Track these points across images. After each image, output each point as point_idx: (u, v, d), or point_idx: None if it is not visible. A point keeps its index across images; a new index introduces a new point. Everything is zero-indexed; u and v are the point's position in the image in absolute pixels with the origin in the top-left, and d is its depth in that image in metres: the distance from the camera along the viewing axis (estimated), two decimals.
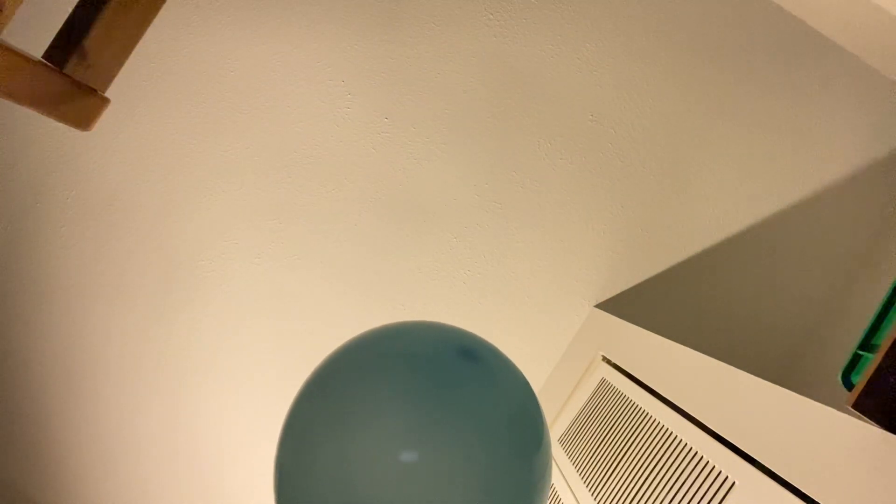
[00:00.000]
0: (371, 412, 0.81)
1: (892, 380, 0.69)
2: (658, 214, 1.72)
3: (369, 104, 1.63)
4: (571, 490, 1.29)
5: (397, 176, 1.66)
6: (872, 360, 0.71)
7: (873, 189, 1.74)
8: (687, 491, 0.95)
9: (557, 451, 1.45)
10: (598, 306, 1.72)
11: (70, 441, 1.72)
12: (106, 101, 0.73)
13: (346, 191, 1.65)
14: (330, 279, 1.68)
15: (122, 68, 0.73)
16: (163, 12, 0.74)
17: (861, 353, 1.04)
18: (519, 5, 1.63)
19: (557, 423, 1.55)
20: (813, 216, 1.74)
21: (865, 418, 0.69)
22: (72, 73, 0.68)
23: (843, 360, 1.06)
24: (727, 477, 0.88)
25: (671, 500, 0.97)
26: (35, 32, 1.06)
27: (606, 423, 1.31)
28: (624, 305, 1.73)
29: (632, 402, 1.25)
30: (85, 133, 1.54)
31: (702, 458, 0.96)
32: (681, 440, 1.03)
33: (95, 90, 0.71)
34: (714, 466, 0.92)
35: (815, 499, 0.71)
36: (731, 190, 1.73)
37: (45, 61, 0.67)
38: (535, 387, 1.73)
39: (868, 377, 0.69)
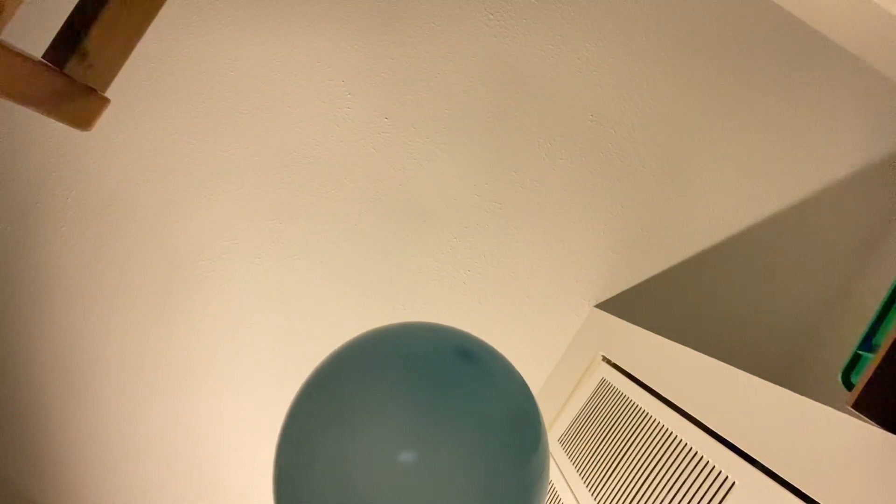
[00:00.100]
0: (370, 412, 0.81)
1: (892, 380, 0.69)
2: (658, 214, 1.72)
3: (369, 104, 1.63)
4: (571, 490, 1.29)
5: (397, 176, 1.66)
6: (872, 360, 0.71)
7: (873, 189, 1.74)
8: (687, 491, 0.95)
9: (557, 451, 1.45)
10: (598, 306, 1.72)
11: (70, 441, 1.72)
12: (106, 101, 0.73)
13: (346, 191, 1.65)
14: (330, 279, 1.68)
15: (122, 68, 0.73)
16: (163, 12, 0.74)
17: (861, 353, 1.04)
18: (519, 5, 1.63)
19: (557, 423, 1.55)
20: (813, 216, 1.74)
21: (865, 418, 0.69)
22: (72, 73, 0.68)
23: (843, 360, 1.06)
24: (727, 477, 0.88)
25: (671, 500, 0.97)
26: (35, 32, 1.06)
27: (606, 423, 1.31)
28: (624, 305, 1.73)
29: (632, 402, 1.25)
30: (85, 133, 1.54)
31: (702, 458, 0.96)
32: (681, 440, 1.03)
33: (95, 90, 0.71)
34: (714, 466, 0.92)
35: (815, 499, 0.71)
36: (731, 190, 1.73)
37: (45, 61, 0.67)
38: (535, 387, 1.73)
39: (868, 377, 0.69)
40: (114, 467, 1.73)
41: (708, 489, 0.90)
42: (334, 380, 0.87)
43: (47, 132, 1.59)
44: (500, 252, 1.70)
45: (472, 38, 1.63)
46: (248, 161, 1.63)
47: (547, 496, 1.35)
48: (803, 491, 0.73)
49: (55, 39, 0.69)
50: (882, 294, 1.08)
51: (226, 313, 1.67)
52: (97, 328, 1.66)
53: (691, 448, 0.99)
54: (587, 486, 1.24)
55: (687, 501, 0.93)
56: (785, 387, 0.86)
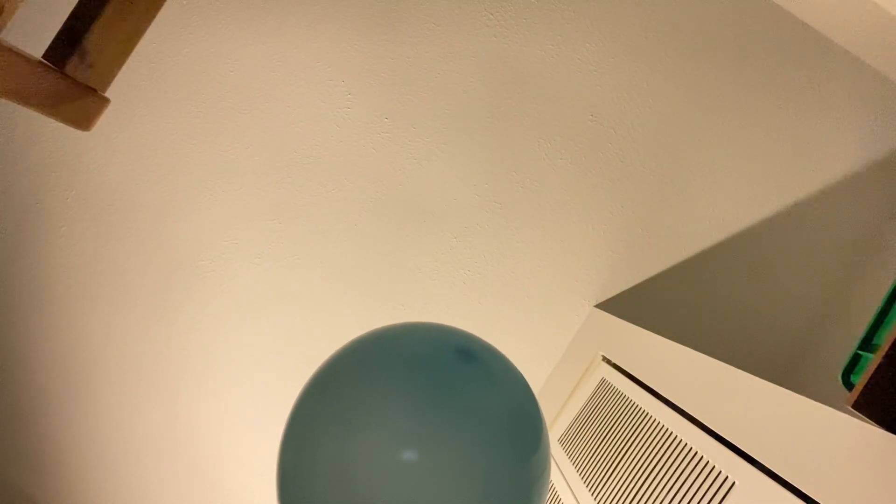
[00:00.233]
0: (371, 412, 0.81)
1: (893, 380, 0.69)
2: (658, 214, 1.72)
3: (369, 104, 1.63)
4: (571, 490, 1.29)
5: (397, 176, 1.66)
6: (872, 360, 0.71)
7: (873, 189, 1.74)
8: (687, 491, 0.95)
9: (557, 451, 1.45)
10: (598, 306, 1.72)
11: (70, 441, 1.72)
12: (106, 101, 0.73)
13: (346, 191, 1.65)
14: (330, 279, 1.68)
15: (122, 68, 0.73)
16: (163, 12, 0.74)
17: (861, 353, 1.04)
18: (519, 5, 1.63)
19: (557, 423, 1.55)
20: (813, 216, 1.74)
21: (865, 418, 0.69)
22: (72, 73, 0.68)
23: (843, 360, 1.06)
24: (727, 477, 0.88)
25: (671, 500, 0.97)
26: (35, 32, 1.06)
27: (606, 423, 1.31)
28: (624, 305, 1.73)
29: (632, 402, 1.25)
30: (85, 133, 1.54)
31: (702, 458, 0.96)
32: (681, 440, 1.03)
33: (95, 90, 0.71)
34: (714, 466, 0.92)
35: (815, 499, 0.71)
36: (731, 190, 1.73)
37: (45, 61, 0.67)
38: (535, 387, 1.73)
39: (868, 377, 0.69)
40: (114, 467, 1.73)
41: (708, 489, 0.90)
42: (336, 380, 0.87)
43: (47, 132, 1.59)
44: (500, 252, 1.70)
45: (472, 38, 1.63)
46: (248, 161, 1.63)
47: (548, 494, 1.35)
48: (803, 491, 0.73)
49: (55, 39, 0.69)
50: (882, 294, 1.08)
51: (226, 313, 1.67)
52: (97, 328, 1.66)
53: (691, 448, 0.99)
54: (587, 486, 1.24)
55: (687, 501, 0.93)
56: (785, 387, 0.86)
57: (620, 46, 1.66)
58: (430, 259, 1.69)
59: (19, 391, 1.69)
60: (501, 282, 1.71)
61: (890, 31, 1.56)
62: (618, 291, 1.73)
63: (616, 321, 1.56)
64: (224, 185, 1.63)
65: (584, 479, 1.26)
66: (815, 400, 0.80)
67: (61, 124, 0.70)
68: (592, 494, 1.20)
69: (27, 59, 0.63)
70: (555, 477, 1.39)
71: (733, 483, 0.86)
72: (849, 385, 1.04)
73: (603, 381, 1.43)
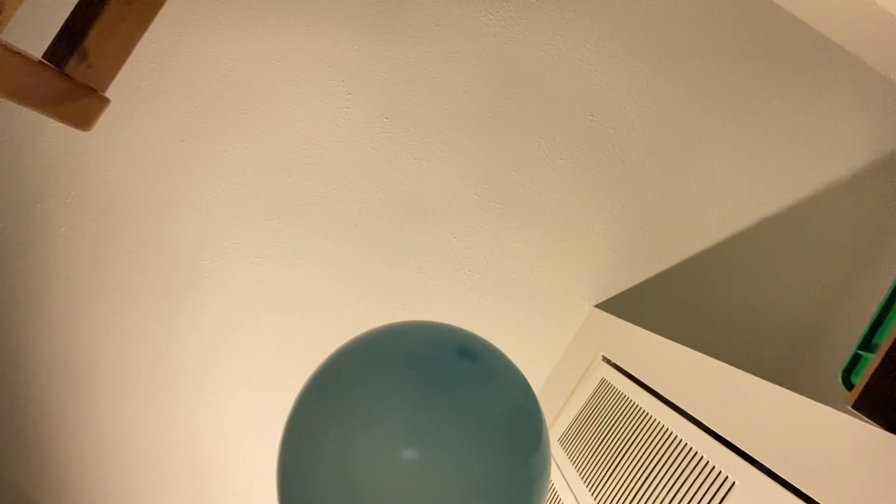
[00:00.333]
0: (372, 411, 0.81)
1: (893, 380, 0.69)
2: (658, 214, 1.72)
3: (369, 104, 1.63)
4: (571, 490, 1.29)
5: (397, 176, 1.66)
6: (872, 360, 0.71)
7: (873, 189, 1.74)
8: (687, 491, 0.95)
9: (557, 451, 1.45)
10: (598, 306, 1.72)
11: (70, 441, 1.72)
12: (106, 101, 0.73)
13: (346, 191, 1.65)
14: (330, 279, 1.68)
15: (122, 68, 0.73)
16: (163, 12, 0.74)
17: (861, 353, 1.04)
18: (519, 5, 1.63)
19: (557, 423, 1.55)
20: (813, 216, 1.74)
21: (865, 418, 0.69)
22: (72, 73, 0.68)
23: (843, 360, 1.06)
24: (727, 477, 0.88)
25: (671, 500, 0.97)
26: (35, 32, 1.06)
27: (606, 423, 1.31)
28: (624, 305, 1.73)
29: (632, 402, 1.25)
30: (85, 133, 1.54)
31: (702, 458, 0.96)
32: (681, 440, 1.03)
33: (95, 90, 0.71)
34: (714, 466, 0.92)
35: (815, 499, 0.71)
36: (731, 190, 1.73)
37: (45, 61, 0.67)
38: (535, 387, 1.73)
39: (868, 377, 0.69)
40: (114, 467, 1.73)
41: (708, 489, 0.90)
42: (336, 379, 0.87)
43: (47, 132, 1.59)
44: (500, 252, 1.70)
45: (472, 38, 1.63)
46: (248, 161, 1.63)
47: (548, 494, 1.35)
48: (803, 491, 0.73)
49: (55, 39, 0.69)
50: (882, 294, 1.08)
51: (226, 313, 1.67)
52: (97, 328, 1.66)
53: (691, 448, 0.99)
54: (587, 486, 1.24)
55: (687, 501, 0.93)
56: (785, 387, 0.86)
57: (620, 46, 1.66)
58: (430, 259, 1.69)
59: (19, 391, 1.69)
60: (501, 282, 1.71)
61: (890, 31, 1.56)
62: (618, 291, 1.73)
63: (616, 321, 1.56)
64: (224, 185, 1.63)
65: (584, 479, 1.26)
66: (815, 400, 0.80)
67: (61, 124, 0.70)
68: (592, 494, 1.20)
69: (27, 59, 0.63)
70: (555, 477, 1.39)
71: (733, 483, 0.86)
72: (849, 385, 1.04)
73: (603, 381, 1.43)
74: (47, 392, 1.69)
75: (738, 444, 0.89)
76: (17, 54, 0.62)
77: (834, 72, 1.70)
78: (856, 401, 0.69)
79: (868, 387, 0.69)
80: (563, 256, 1.71)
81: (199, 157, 1.62)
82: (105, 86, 0.72)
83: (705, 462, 0.94)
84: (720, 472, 0.90)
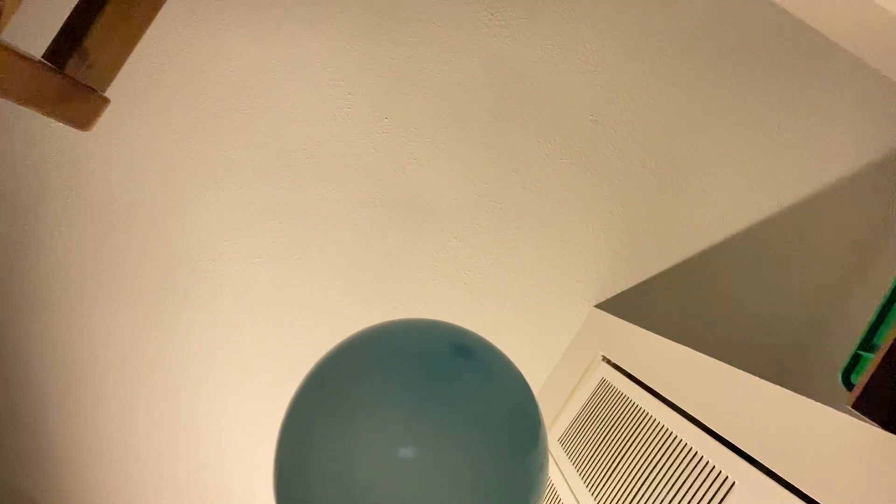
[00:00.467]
0: (368, 408, 0.81)
1: (892, 380, 0.69)
2: (658, 214, 1.72)
3: (369, 104, 1.63)
4: (571, 490, 1.29)
5: (397, 176, 1.66)
6: (872, 360, 0.71)
7: (873, 189, 1.74)
8: (687, 491, 0.95)
9: (557, 451, 1.45)
10: (598, 306, 1.72)
11: (70, 441, 1.72)
12: (106, 101, 0.73)
13: (346, 191, 1.66)
14: (330, 279, 1.68)
15: (122, 68, 0.73)
16: (162, 12, 0.74)
17: (861, 353, 1.04)
18: (519, 5, 1.63)
19: (557, 423, 1.55)
20: (812, 216, 1.74)
21: (865, 418, 0.69)
22: (72, 73, 0.68)
23: (843, 360, 1.06)
24: (727, 477, 0.88)
25: (671, 500, 0.97)
26: (35, 32, 1.06)
27: (606, 423, 1.31)
28: (624, 305, 1.73)
29: (632, 402, 1.25)
30: (85, 133, 1.54)
31: (702, 458, 0.96)
32: (681, 440, 1.03)
33: (95, 90, 0.71)
34: (714, 466, 0.92)
35: (815, 499, 0.71)
36: (731, 190, 1.73)
37: (45, 61, 0.67)
38: (535, 387, 1.73)
39: (868, 377, 0.69)
40: (113, 467, 1.73)
41: (708, 489, 0.90)
42: (333, 376, 0.87)
43: (47, 132, 1.59)
44: (500, 252, 1.70)
45: (473, 39, 1.63)
46: (248, 161, 1.63)
47: (546, 493, 1.35)
48: (803, 491, 0.73)
49: (55, 39, 0.69)
50: (882, 294, 1.08)
51: (226, 313, 1.67)
52: (97, 328, 1.66)
53: (691, 448, 0.99)
54: (587, 486, 1.24)
55: (687, 501, 0.93)
56: (785, 387, 0.86)
57: (621, 46, 1.66)
58: (430, 259, 1.69)
59: (19, 391, 1.69)
60: (501, 282, 1.71)
61: (890, 31, 1.56)
62: (618, 291, 1.73)
63: (616, 321, 1.56)
64: (224, 185, 1.63)
65: (584, 479, 1.26)
66: (815, 400, 0.80)
67: (61, 124, 0.70)
68: (592, 494, 1.20)
69: (27, 59, 0.63)
70: (555, 477, 1.39)
71: (733, 483, 0.86)
72: (849, 385, 1.04)
73: (603, 381, 1.43)
74: (47, 392, 1.69)
75: (738, 444, 0.89)
76: (17, 54, 0.62)
77: (834, 72, 1.70)
78: (856, 401, 0.69)
79: (868, 387, 0.69)
80: (563, 256, 1.71)
81: (199, 156, 1.62)
82: (105, 86, 0.72)
83: (705, 462, 0.94)
84: (720, 472, 0.90)
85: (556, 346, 1.74)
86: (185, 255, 1.65)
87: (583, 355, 1.61)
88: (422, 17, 1.61)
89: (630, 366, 1.35)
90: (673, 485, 0.99)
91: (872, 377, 0.69)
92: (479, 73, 1.64)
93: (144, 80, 1.58)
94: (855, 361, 1.03)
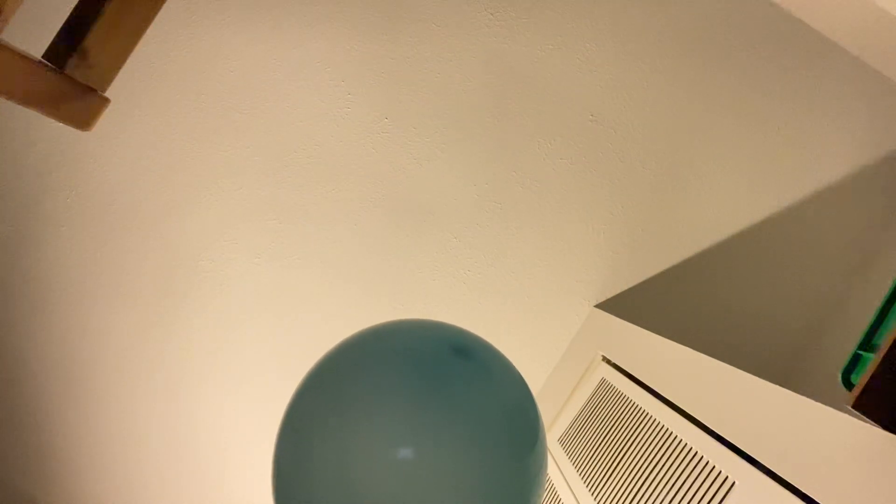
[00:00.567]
0: (367, 409, 0.81)
1: (892, 380, 0.69)
2: (658, 214, 1.72)
3: (369, 104, 1.63)
4: (571, 490, 1.29)
5: (397, 176, 1.66)
6: (872, 360, 0.71)
7: (873, 189, 1.74)
8: (687, 491, 0.95)
9: (557, 451, 1.45)
10: (598, 306, 1.72)
11: (70, 441, 1.72)
12: (106, 101, 0.73)
13: (346, 191, 1.66)
14: (330, 279, 1.68)
15: (123, 68, 0.73)
16: (163, 12, 0.74)
17: (861, 353, 1.04)
18: (519, 5, 1.63)
19: (557, 423, 1.55)
20: (812, 216, 1.74)
21: (865, 418, 0.69)
22: (72, 73, 0.68)
23: (843, 360, 1.06)
24: (727, 477, 0.88)
25: (671, 500, 0.97)
26: (35, 32, 1.06)
27: (606, 423, 1.31)
28: (624, 305, 1.73)
29: (632, 402, 1.25)
30: (85, 133, 1.54)
31: (702, 458, 0.96)
32: (681, 440, 1.03)
33: (95, 90, 0.71)
34: (714, 466, 0.92)
35: (815, 499, 0.71)
36: (731, 190, 1.73)
37: (45, 61, 0.67)
38: (535, 387, 1.73)
39: (868, 377, 0.69)
40: (113, 467, 1.73)
41: (708, 489, 0.90)
42: (332, 376, 0.87)
43: (47, 132, 1.59)
44: (500, 252, 1.70)
45: (473, 38, 1.63)
46: (248, 161, 1.63)
47: (546, 494, 1.35)
48: (803, 491, 0.73)
49: (55, 39, 0.69)
50: (882, 294, 1.08)
51: (226, 313, 1.67)
52: (97, 328, 1.66)
53: (691, 448, 0.99)
54: (587, 486, 1.24)
55: (687, 501, 0.93)
56: (785, 387, 0.86)
57: (621, 46, 1.66)
58: (430, 259, 1.69)
59: (19, 391, 1.69)
60: (501, 282, 1.71)
61: (890, 31, 1.56)
62: (618, 291, 1.73)
63: (616, 321, 1.56)
64: (224, 185, 1.63)
65: (584, 479, 1.26)
66: (815, 400, 0.80)
67: (61, 124, 0.70)
68: (592, 494, 1.20)
69: (27, 59, 0.63)
70: (555, 477, 1.39)
71: (733, 483, 0.86)
72: (849, 385, 1.04)
73: (603, 381, 1.43)
74: (47, 392, 1.69)
75: (738, 444, 0.89)
76: (17, 54, 0.62)
77: (834, 72, 1.70)
78: (856, 401, 0.69)
79: (868, 387, 0.69)
80: (563, 256, 1.71)
81: (199, 156, 1.62)
82: (105, 86, 0.72)
83: (705, 462, 0.94)
84: (720, 472, 0.90)
85: (556, 346, 1.74)
86: (185, 255, 1.65)
87: (583, 355, 1.61)
88: (422, 17, 1.61)
89: (630, 366, 1.35)
90: (673, 485, 0.99)
91: (872, 377, 0.69)
92: (479, 73, 1.64)
93: (144, 80, 1.58)
94: (855, 361, 1.03)
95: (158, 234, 1.64)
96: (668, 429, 1.08)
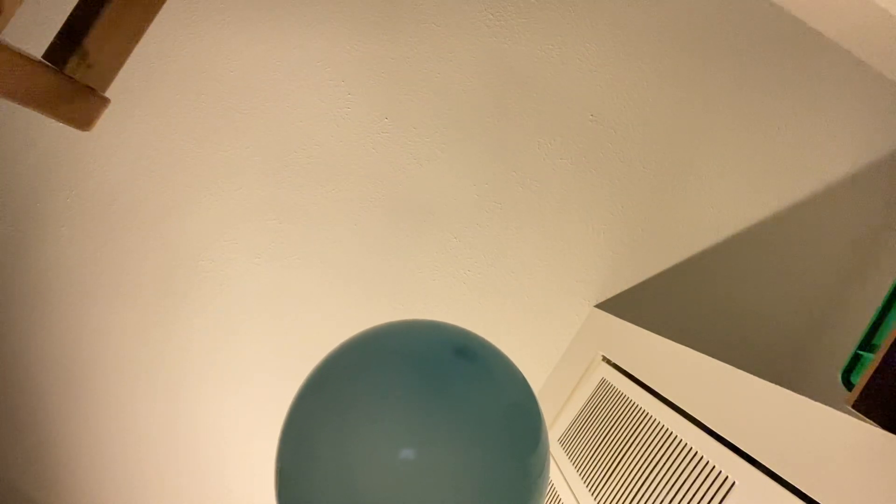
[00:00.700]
0: (369, 410, 0.81)
1: (892, 380, 0.69)
2: (658, 214, 1.72)
3: (369, 104, 1.63)
4: (571, 490, 1.29)
5: (397, 176, 1.66)
6: (872, 360, 0.71)
7: (873, 189, 1.74)
8: (687, 491, 0.95)
9: (557, 451, 1.45)
10: (598, 306, 1.72)
11: (69, 441, 1.72)
12: (106, 101, 0.73)
13: (346, 191, 1.66)
14: (330, 279, 1.68)
15: (123, 68, 0.73)
16: (163, 12, 0.74)
17: (861, 353, 1.04)
18: (519, 5, 1.63)
19: (557, 423, 1.55)
20: (813, 216, 1.74)
21: (865, 418, 0.69)
22: (72, 73, 0.68)
23: (843, 360, 1.06)
24: (727, 477, 0.88)
25: (671, 500, 0.97)
26: (35, 32, 1.06)
27: (606, 423, 1.31)
28: (624, 305, 1.73)
29: (632, 402, 1.25)
30: (85, 133, 1.54)
31: (702, 458, 0.96)
32: (681, 440, 1.03)
33: (95, 90, 0.71)
34: (714, 466, 0.92)
35: (815, 499, 0.71)
36: (731, 190, 1.73)
37: (45, 61, 0.67)
38: (535, 387, 1.73)
39: (868, 377, 0.69)
40: (113, 467, 1.73)
41: (708, 489, 0.90)
42: (333, 378, 0.87)
43: (47, 132, 1.59)
44: (500, 252, 1.70)
45: (473, 38, 1.63)
46: (248, 161, 1.63)
47: (547, 493, 1.35)
48: (803, 491, 0.73)
49: (55, 39, 0.69)
50: (882, 294, 1.08)
51: (225, 313, 1.67)
52: (97, 328, 1.66)
53: (691, 448, 0.99)
54: (587, 486, 1.24)
55: (687, 501, 0.93)
56: (785, 387, 0.86)
57: (621, 46, 1.66)
58: (430, 259, 1.69)
59: (19, 391, 1.69)
60: (501, 282, 1.71)
61: (890, 31, 1.56)
62: (618, 291, 1.73)
63: (616, 321, 1.56)
64: (224, 185, 1.63)
65: (584, 479, 1.26)
66: (815, 400, 0.80)
67: (61, 124, 0.70)
68: (592, 494, 1.20)
69: (27, 59, 0.63)
70: (555, 477, 1.39)
71: (733, 483, 0.86)
72: (849, 385, 1.04)
73: (603, 381, 1.43)
74: (47, 392, 1.69)
75: (738, 444, 0.89)
76: (17, 54, 0.62)
77: (834, 72, 1.70)
78: (856, 401, 0.69)
79: (868, 387, 0.69)
80: (563, 256, 1.71)
81: (199, 156, 1.62)
82: (105, 86, 0.72)
83: (705, 462, 0.94)
84: (720, 472, 0.90)
85: (556, 346, 1.74)
86: (185, 255, 1.65)
87: (583, 355, 1.61)
88: (422, 18, 1.61)
89: (630, 366, 1.35)
90: (673, 485, 0.99)
91: (872, 377, 0.69)
92: (479, 73, 1.64)
93: (144, 80, 1.58)
94: (855, 361, 1.03)
95: (158, 234, 1.64)
96: (668, 429, 1.08)
